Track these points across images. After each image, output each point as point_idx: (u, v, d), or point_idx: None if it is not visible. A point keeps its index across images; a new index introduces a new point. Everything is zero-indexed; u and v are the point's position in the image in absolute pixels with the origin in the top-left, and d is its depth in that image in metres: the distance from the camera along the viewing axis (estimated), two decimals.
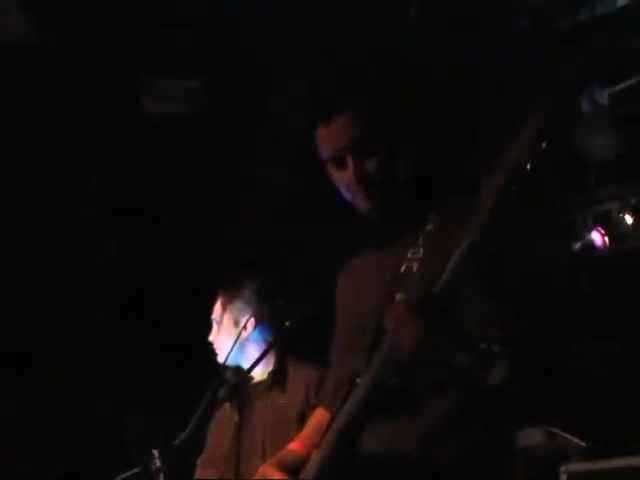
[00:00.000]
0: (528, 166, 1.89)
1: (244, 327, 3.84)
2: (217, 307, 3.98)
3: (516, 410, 2.27)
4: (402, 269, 2.20)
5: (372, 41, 4.17)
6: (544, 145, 1.89)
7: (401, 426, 2.16)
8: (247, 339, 3.84)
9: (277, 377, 3.86)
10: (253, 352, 3.79)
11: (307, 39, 4.70)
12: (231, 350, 3.64)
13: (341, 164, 2.27)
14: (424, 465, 2.12)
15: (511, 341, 2.07)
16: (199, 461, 3.98)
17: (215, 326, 3.95)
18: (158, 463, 3.37)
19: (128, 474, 3.59)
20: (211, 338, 3.96)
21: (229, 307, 3.90)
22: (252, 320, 3.85)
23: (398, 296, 2.12)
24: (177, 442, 3.10)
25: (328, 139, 2.27)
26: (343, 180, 2.28)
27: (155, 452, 3.39)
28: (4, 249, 5.58)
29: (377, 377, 2.10)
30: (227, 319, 3.91)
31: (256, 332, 3.86)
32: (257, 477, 2.34)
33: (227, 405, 3.80)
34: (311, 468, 2.20)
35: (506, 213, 1.93)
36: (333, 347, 2.47)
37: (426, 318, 2.01)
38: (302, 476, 2.24)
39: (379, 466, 2.15)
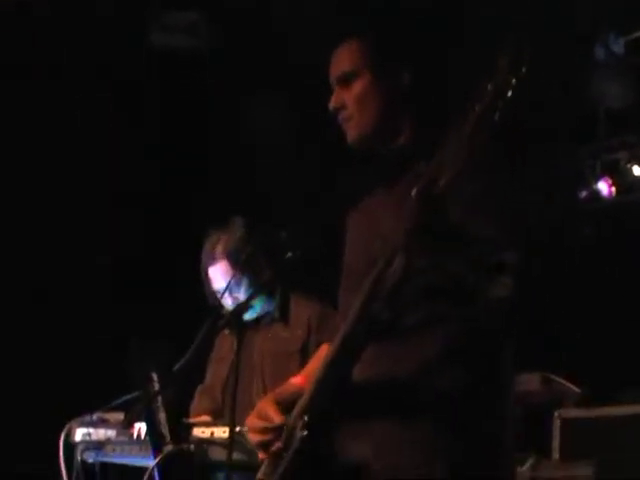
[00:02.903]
0: (509, 94, 1.89)
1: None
2: (222, 273, 3.85)
3: (514, 350, 2.27)
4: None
5: None
6: (520, 73, 1.89)
7: (396, 359, 2.17)
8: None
9: (281, 311, 3.86)
10: None
11: None
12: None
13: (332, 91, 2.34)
14: (419, 391, 2.13)
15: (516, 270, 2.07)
16: (198, 390, 4.02)
17: (228, 294, 3.79)
18: (157, 386, 3.42)
19: (127, 397, 3.63)
20: (230, 306, 3.80)
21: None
22: None
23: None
24: (176, 367, 3.11)
25: (331, 66, 2.36)
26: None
27: (154, 375, 3.43)
28: None
29: (366, 301, 2.10)
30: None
31: None
32: (255, 412, 2.35)
33: (226, 332, 3.80)
34: (305, 398, 2.21)
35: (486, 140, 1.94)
36: (342, 285, 2.46)
37: (429, 205, 1.96)
38: (296, 409, 2.25)
39: (371, 393, 2.17)
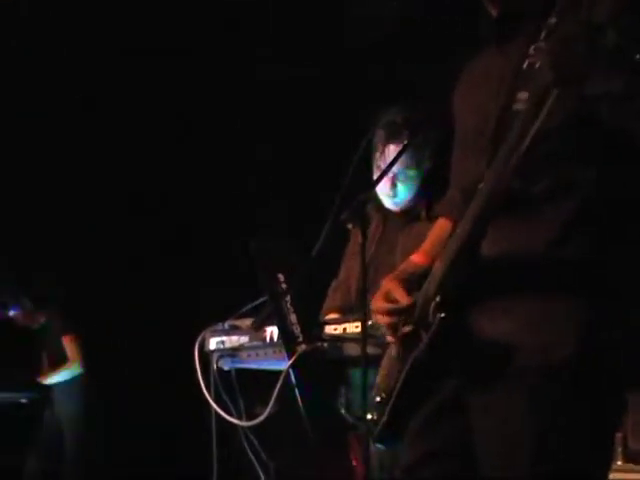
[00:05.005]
0: None
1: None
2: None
3: None
4: (524, 66, 2.07)
5: None
6: None
7: (525, 229, 2.07)
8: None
9: (427, 208, 3.67)
10: None
11: None
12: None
13: None
14: (549, 263, 2.03)
15: None
16: (332, 286, 3.95)
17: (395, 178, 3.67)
18: (284, 287, 3.38)
19: (257, 302, 3.60)
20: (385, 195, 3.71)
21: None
22: None
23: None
24: (302, 265, 3.06)
25: None
26: None
27: (280, 276, 3.40)
28: None
29: (502, 176, 1.99)
30: None
31: None
32: (380, 293, 2.28)
33: (350, 226, 3.72)
34: (434, 278, 2.14)
35: None
36: (454, 155, 2.36)
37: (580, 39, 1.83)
38: (425, 287, 2.18)
39: (503, 268, 2.07)
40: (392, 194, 3.68)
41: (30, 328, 6.68)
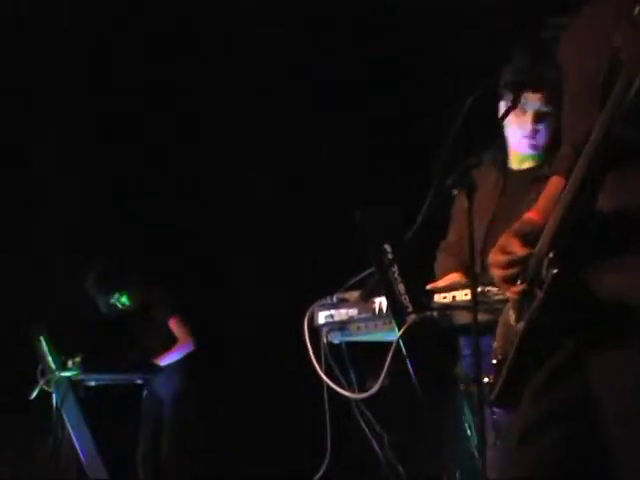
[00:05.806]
0: None
1: None
2: (540, 101, 3.59)
3: None
4: (635, 12, 2.01)
5: None
6: None
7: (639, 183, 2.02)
8: None
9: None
10: None
11: None
12: None
13: None
14: None
15: None
16: (441, 247, 3.89)
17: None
18: (391, 257, 3.35)
19: (365, 274, 3.58)
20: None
21: None
22: None
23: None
24: (408, 234, 3.02)
25: None
26: None
27: (387, 247, 3.37)
28: None
29: (610, 123, 1.94)
30: None
31: None
32: (497, 247, 2.24)
33: (455, 192, 3.66)
34: (546, 235, 2.10)
35: None
36: (564, 110, 2.31)
37: None
38: (539, 245, 2.13)
39: (618, 224, 2.02)
40: (532, 135, 3.62)
41: (138, 311, 6.77)
